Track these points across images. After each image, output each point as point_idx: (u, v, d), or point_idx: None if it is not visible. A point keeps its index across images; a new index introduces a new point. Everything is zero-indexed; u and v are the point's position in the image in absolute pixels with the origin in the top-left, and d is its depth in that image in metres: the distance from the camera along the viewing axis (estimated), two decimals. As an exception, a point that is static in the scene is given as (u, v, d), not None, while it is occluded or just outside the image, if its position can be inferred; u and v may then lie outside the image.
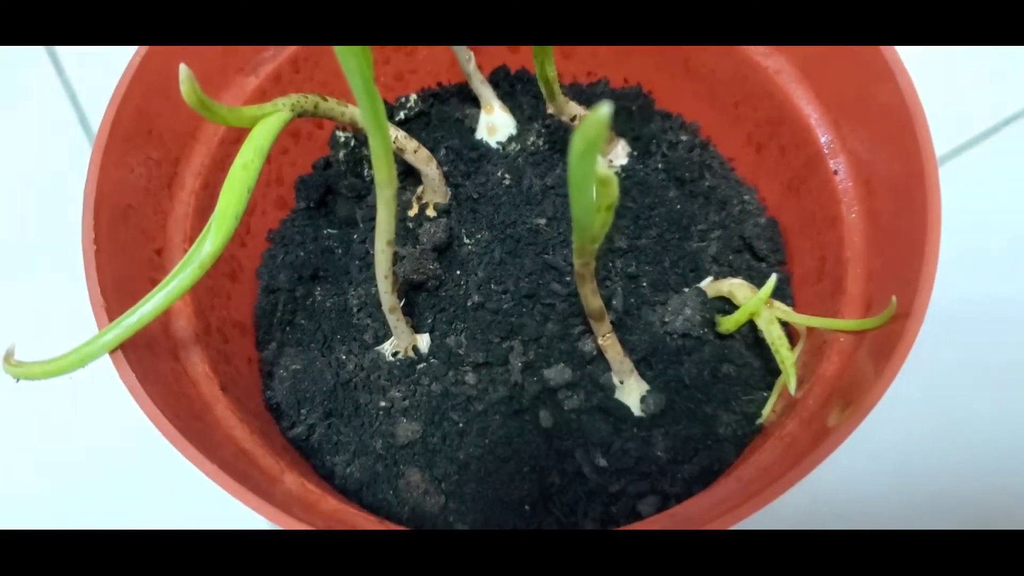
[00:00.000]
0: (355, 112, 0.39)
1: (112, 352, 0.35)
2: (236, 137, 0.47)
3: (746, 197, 0.51)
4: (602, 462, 0.42)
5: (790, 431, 0.38)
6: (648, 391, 0.43)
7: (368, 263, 0.48)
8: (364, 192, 0.52)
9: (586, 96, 0.55)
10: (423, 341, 0.45)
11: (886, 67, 0.39)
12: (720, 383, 0.44)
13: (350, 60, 0.25)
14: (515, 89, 0.55)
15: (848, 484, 0.50)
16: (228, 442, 0.39)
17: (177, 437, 0.33)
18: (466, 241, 0.47)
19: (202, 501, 0.52)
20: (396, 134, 0.44)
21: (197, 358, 0.42)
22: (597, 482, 0.41)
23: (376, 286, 0.39)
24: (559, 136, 0.51)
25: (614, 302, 0.45)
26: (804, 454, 0.33)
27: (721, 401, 0.43)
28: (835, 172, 0.44)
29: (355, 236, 0.50)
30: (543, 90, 0.44)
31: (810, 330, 0.43)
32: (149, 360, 0.38)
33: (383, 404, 0.44)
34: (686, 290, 0.45)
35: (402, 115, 0.55)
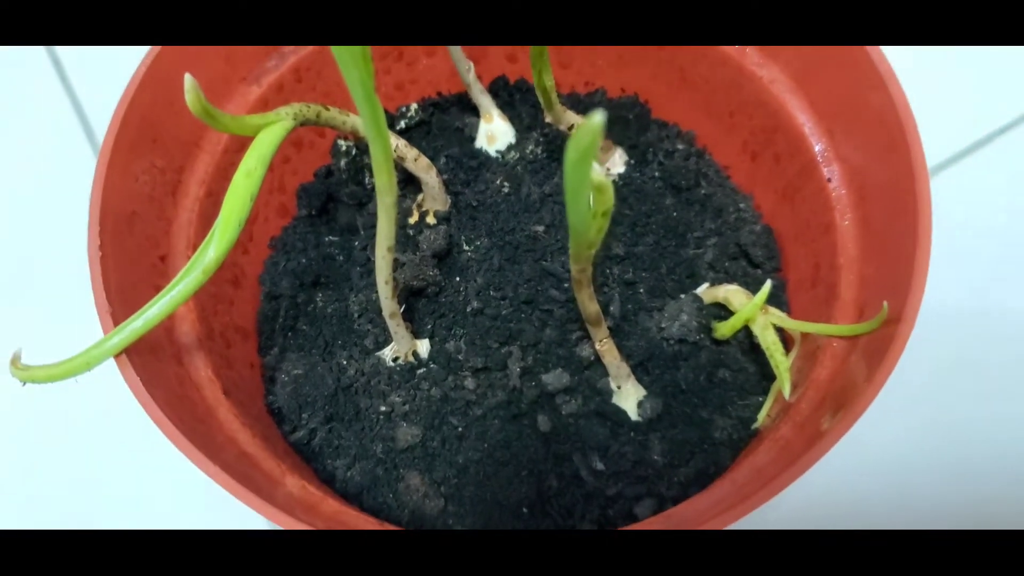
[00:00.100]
0: (356, 121, 0.40)
1: (117, 356, 0.35)
2: (239, 146, 0.47)
3: (742, 205, 0.52)
4: (599, 466, 0.42)
5: (784, 434, 0.38)
6: (645, 396, 0.43)
7: (369, 269, 0.49)
8: (365, 200, 0.53)
9: (584, 105, 0.56)
10: (423, 346, 0.46)
11: (878, 76, 0.40)
12: (716, 388, 0.44)
13: (352, 70, 0.26)
14: (514, 99, 0.56)
15: (840, 485, 0.50)
16: (231, 445, 0.39)
17: (181, 440, 0.34)
18: (465, 248, 0.48)
19: (203, 503, 0.53)
20: (397, 143, 0.44)
21: (200, 362, 0.42)
22: (594, 485, 0.42)
23: (376, 292, 0.39)
24: (557, 145, 0.52)
25: (611, 308, 0.45)
26: (797, 456, 0.33)
27: (717, 405, 0.44)
28: (829, 180, 0.45)
29: (356, 243, 0.51)
30: (541, 100, 0.44)
31: (804, 335, 0.44)
32: (153, 364, 0.38)
33: (383, 409, 0.44)
34: (683, 296, 0.46)
35: (403, 124, 0.55)
